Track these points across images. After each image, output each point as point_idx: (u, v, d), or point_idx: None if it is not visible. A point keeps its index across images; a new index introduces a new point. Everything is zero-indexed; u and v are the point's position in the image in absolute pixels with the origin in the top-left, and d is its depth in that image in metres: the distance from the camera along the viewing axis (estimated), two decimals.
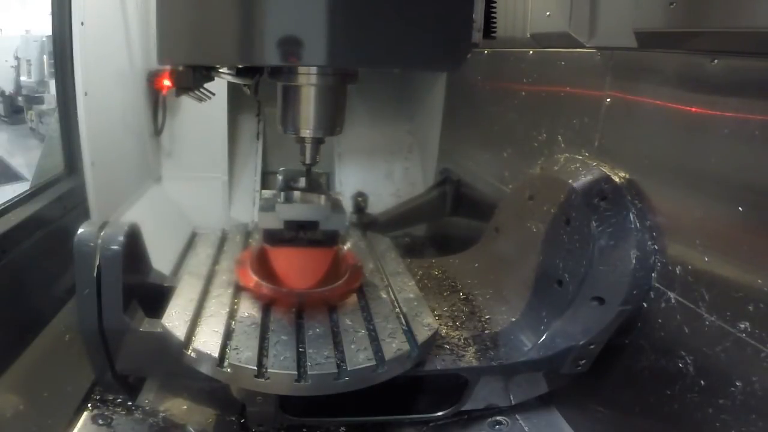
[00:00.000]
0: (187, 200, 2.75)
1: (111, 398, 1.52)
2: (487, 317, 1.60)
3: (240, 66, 1.31)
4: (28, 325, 1.60)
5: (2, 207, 1.65)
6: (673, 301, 1.24)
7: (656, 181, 1.34)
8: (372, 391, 1.27)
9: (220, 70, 1.31)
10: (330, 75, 1.27)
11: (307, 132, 1.33)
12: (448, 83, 2.80)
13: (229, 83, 1.51)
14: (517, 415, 1.58)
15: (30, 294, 1.63)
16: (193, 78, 1.25)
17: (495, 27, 1.21)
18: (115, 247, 1.33)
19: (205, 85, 1.39)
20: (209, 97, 1.46)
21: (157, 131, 2.65)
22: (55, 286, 1.75)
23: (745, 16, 1.08)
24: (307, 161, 1.41)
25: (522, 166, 1.90)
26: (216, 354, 1.23)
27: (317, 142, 1.38)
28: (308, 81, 1.27)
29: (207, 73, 1.29)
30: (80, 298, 1.33)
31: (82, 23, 1.83)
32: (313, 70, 1.25)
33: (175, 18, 1.12)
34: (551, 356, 1.42)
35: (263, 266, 1.53)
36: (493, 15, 1.20)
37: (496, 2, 1.21)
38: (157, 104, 2.58)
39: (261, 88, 1.40)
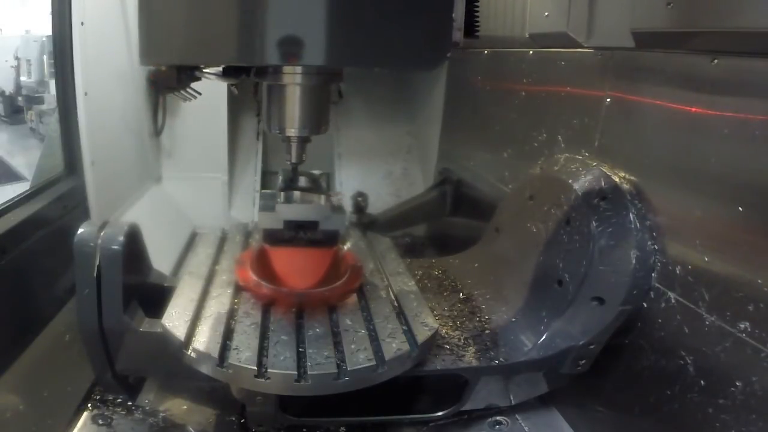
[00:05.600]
0: (187, 200, 2.75)
1: (111, 398, 1.52)
2: (487, 317, 1.60)
3: (225, 66, 1.31)
4: (28, 325, 1.60)
5: (2, 207, 1.64)
6: (673, 301, 1.24)
7: (656, 181, 1.34)
8: (372, 391, 1.27)
9: (205, 70, 1.30)
10: (315, 74, 1.27)
11: (292, 131, 1.33)
12: (448, 83, 2.80)
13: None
14: (517, 415, 1.58)
15: (30, 294, 1.63)
16: (176, 78, 1.24)
17: (478, 26, 1.21)
18: (115, 247, 1.33)
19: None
20: (195, 97, 1.45)
21: (157, 131, 2.65)
22: (55, 286, 1.75)
23: (744, 16, 1.08)
24: (293, 160, 1.41)
25: (522, 166, 1.90)
26: (216, 354, 1.23)
27: (303, 141, 1.38)
28: (294, 80, 1.27)
29: (191, 73, 1.28)
30: (80, 298, 1.33)
31: (82, 23, 1.84)
32: (299, 69, 1.25)
33: (161, 16, 1.09)
34: (551, 356, 1.42)
35: (263, 266, 1.53)
36: (475, 14, 1.20)
37: (478, 1, 1.21)
38: (157, 104, 2.59)
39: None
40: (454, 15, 1.08)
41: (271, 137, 3.20)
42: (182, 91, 1.33)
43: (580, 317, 1.39)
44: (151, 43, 1.12)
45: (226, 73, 1.32)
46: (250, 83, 1.42)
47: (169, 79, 1.24)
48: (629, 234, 1.34)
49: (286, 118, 1.32)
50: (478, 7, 1.20)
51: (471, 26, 1.18)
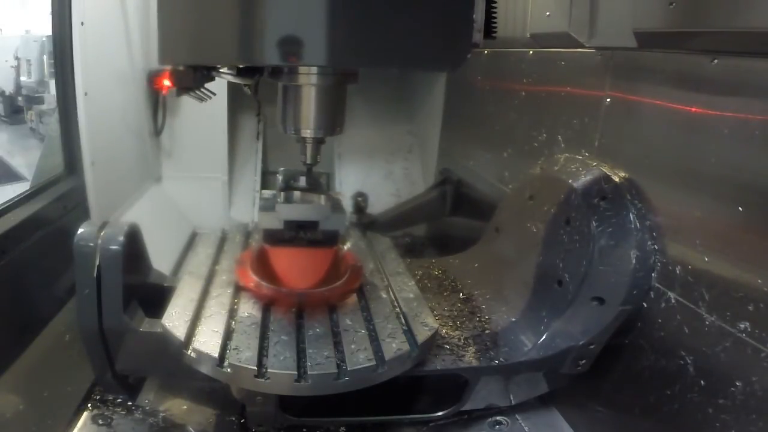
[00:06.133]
0: (187, 200, 2.75)
1: (111, 398, 1.52)
2: (487, 317, 1.60)
3: (240, 66, 1.32)
4: (28, 325, 1.60)
5: (2, 207, 1.64)
6: (673, 301, 1.24)
7: (656, 181, 1.34)
8: (372, 391, 1.27)
9: (221, 70, 1.31)
10: (330, 75, 1.27)
11: (307, 132, 1.34)
12: (448, 83, 2.80)
13: (229, 83, 1.51)
14: (517, 415, 1.58)
15: (30, 294, 1.63)
16: (193, 78, 1.26)
17: (495, 27, 1.21)
18: (115, 247, 1.33)
19: (206, 85, 1.39)
20: (210, 97, 1.46)
21: (157, 131, 2.65)
22: (55, 286, 1.75)
23: (745, 16, 1.08)
24: (308, 161, 1.41)
25: (522, 166, 1.90)
26: (216, 354, 1.23)
27: (318, 141, 1.38)
28: (309, 81, 1.27)
29: (207, 73, 1.29)
30: (80, 298, 1.33)
31: (82, 23, 1.84)
32: (314, 70, 1.25)
33: (177, 18, 1.12)
34: (551, 356, 1.42)
35: (263, 266, 1.53)
36: (493, 15, 1.20)
37: (496, 2, 1.21)
38: (157, 104, 2.59)
39: (261, 88, 1.40)
40: (474, 16, 1.09)
41: (271, 137, 3.20)
42: (198, 91, 1.34)
43: (580, 317, 1.39)
44: (167, 43, 1.15)
45: (241, 73, 1.33)
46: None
47: (185, 79, 1.24)
48: (629, 234, 1.34)
49: (301, 118, 1.32)
50: (495, 7, 1.21)
51: (489, 27, 1.18)
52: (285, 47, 1.01)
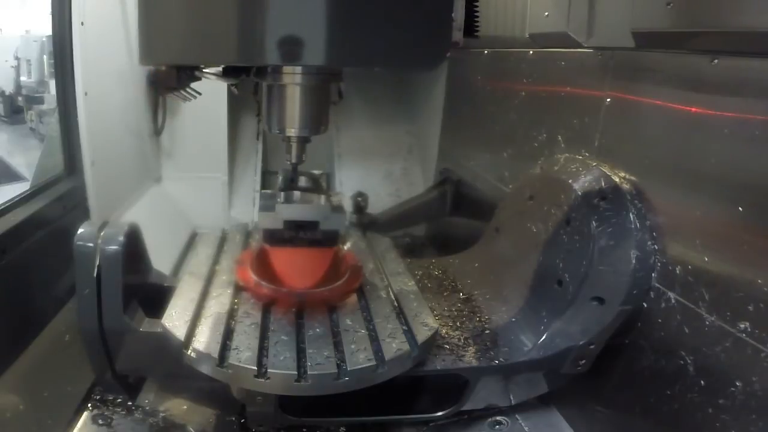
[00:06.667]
0: (187, 200, 2.75)
1: (111, 398, 1.52)
2: (487, 317, 1.60)
3: (224, 66, 1.31)
4: (28, 325, 1.60)
5: (2, 207, 1.64)
6: (673, 301, 1.24)
7: (656, 181, 1.34)
8: (372, 391, 1.27)
9: (205, 70, 1.30)
10: (315, 74, 1.27)
11: (292, 131, 1.34)
12: (448, 83, 2.80)
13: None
14: (517, 415, 1.58)
15: (30, 294, 1.63)
16: (177, 78, 1.25)
17: (478, 26, 1.21)
18: (115, 247, 1.33)
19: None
20: (195, 97, 1.46)
21: (157, 131, 2.65)
22: (55, 286, 1.75)
23: (744, 16, 1.08)
24: (293, 160, 1.41)
25: (522, 166, 1.90)
26: (216, 354, 1.23)
27: (303, 141, 1.38)
28: (293, 80, 1.27)
29: (191, 72, 1.29)
30: (80, 298, 1.33)
31: (82, 23, 1.84)
32: (299, 69, 1.25)
33: (161, 16, 1.09)
34: (551, 356, 1.42)
35: (263, 266, 1.53)
36: (475, 14, 1.21)
37: (478, 1, 1.22)
38: (157, 104, 2.59)
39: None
40: (453, 15, 1.09)
41: (271, 137, 3.20)
42: (182, 91, 1.33)
43: (580, 317, 1.39)
44: (151, 42, 1.13)
45: (226, 73, 1.32)
46: (250, 83, 1.42)
47: (168, 79, 1.24)
48: (629, 234, 1.34)
49: (286, 118, 1.32)
50: (477, 6, 1.21)
51: (471, 26, 1.19)
52: (285, 48, 1.01)
